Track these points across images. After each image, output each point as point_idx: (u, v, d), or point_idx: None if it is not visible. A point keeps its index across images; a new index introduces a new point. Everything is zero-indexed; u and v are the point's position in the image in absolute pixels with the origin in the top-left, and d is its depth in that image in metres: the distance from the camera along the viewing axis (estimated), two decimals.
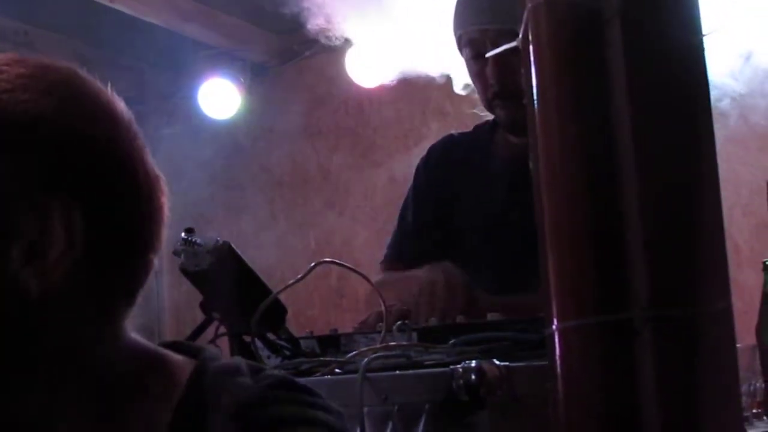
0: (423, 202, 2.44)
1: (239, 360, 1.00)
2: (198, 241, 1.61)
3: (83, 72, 1.00)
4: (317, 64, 5.23)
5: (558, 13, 1.18)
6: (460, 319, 1.71)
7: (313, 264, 1.64)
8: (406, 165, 5.05)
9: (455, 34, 2.30)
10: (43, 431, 0.91)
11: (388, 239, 4.98)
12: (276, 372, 1.02)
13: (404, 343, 1.60)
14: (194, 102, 5.14)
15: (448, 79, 4.73)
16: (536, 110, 1.19)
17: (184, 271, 1.63)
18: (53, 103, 0.92)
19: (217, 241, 1.60)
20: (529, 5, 1.18)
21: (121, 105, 0.98)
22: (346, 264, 1.74)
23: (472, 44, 2.23)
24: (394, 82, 4.85)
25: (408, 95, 4.99)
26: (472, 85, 2.38)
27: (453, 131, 2.57)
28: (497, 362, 1.29)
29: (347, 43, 4.69)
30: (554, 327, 1.17)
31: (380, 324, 1.88)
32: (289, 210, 5.37)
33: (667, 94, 1.21)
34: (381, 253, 5.00)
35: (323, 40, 3.37)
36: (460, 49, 2.31)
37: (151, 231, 0.97)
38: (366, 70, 4.79)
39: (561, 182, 1.18)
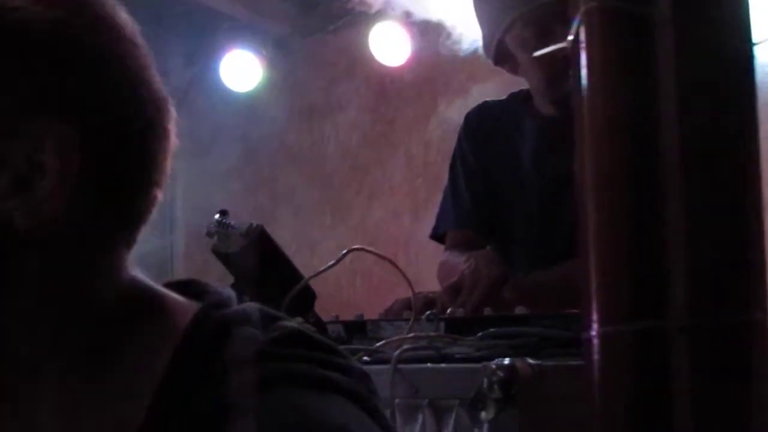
0: (472, 171, 2.46)
1: (252, 307, 0.88)
2: (231, 223, 1.61)
3: None
4: (339, 40, 5.22)
5: (610, 17, 1.18)
6: (487, 311, 1.71)
7: (344, 251, 1.65)
8: (424, 144, 5.07)
9: (507, 17, 2.27)
10: (26, 371, 0.82)
11: (405, 216, 5.01)
12: (291, 323, 0.90)
13: (433, 333, 1.60)
14: (215, 73, 5.14)
15: (470, 59, 4.73)
16: (584, 114, 1.19)
17: (217, 253, 1.63)
18: (47, 7, 0.80)
19: (251, 224, 1.60)
20: (582, 9, 1.18)
21: (124, 15, 0.87)
22: (376, 251, 1.73)
23: (536, 22, 2.21)
24: (417, 60, 4.86)
25: (429, 74, 4.98)
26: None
27: (487, 99, 2.57)
28: (530, 360, 1.29)
29: (370, 20, 4.69)
30: (592, 332, 1.18)
31: (407, 311, 1.89)
32: (306, 185, 5.37)
33: (716, 100, 1.21)
34: (398, 229, 5.03)
35: (357, 7, 3.35)
36: (512, 31, 2.30)
37: (156, 162, 0.86)
38: (389, 48, 4.79)
39: (605, 186, 1.18)
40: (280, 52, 5.22)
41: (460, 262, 2.13)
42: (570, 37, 1.26)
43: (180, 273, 5.67)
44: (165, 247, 5.57)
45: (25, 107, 0.78)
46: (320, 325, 1.71)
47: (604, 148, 1.19)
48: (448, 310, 1.83)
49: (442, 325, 1.67)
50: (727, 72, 1.21)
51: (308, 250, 5.28)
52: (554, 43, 2.19)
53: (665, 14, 1.18)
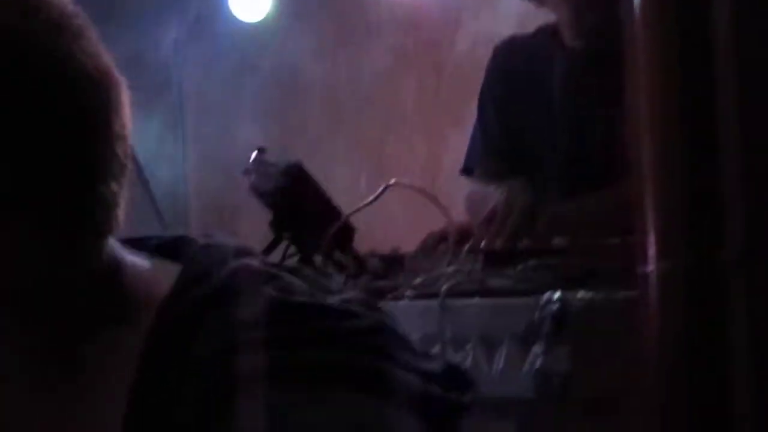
0: (501, 103, 2.45)
1: (253, 263, 0.79)
2: (270, 160, 1.61)
3: None
4: None
5: None
6: (524, 243, 1.71)
7: (383, 186, 1.65)
8: (437, 71, 5.03)
9: None
10: None
11: (419, 145, 5.00)
12: (301, 285, 0.79)
13: (475, 267, 1.61)
14: (224, 3, 5.08)
15: None
16: (638, 48, 1.18)
17: (255, 191, 1.63)
18: None
19: (289, 161, 1.60)
20: None
21: None
22: (414, 186, 1.73)
23: None
24: None
25: (440, 1, 4.94)
26: None
27: (515, 33, 2.56)
28: (580, 293, 1.29)
29: None
30: (649, 267, 1.18)
31: (442, 244, 1.90)
32: (318, 115, 5.35)
33: None
34: (412, 158, 5.02)
35: None
36: None
37: (98, 154, 0.76)
38: None
39: (659, 121, 1.17)
40: None
41: (490, 192, 2.12)
42: None
43: (194, 207, 5.68)
44: (177, 180, 5.56)
45: None
46: (359, 261, 1.71)
47: (658, 82, 1.18)
48: (483, 242, 1.83)
49: (480, 257, 1.68)
50: None
51: (323, 179, 5.28)
52: None
53: None
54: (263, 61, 5.38)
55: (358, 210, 1.63)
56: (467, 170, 2.51)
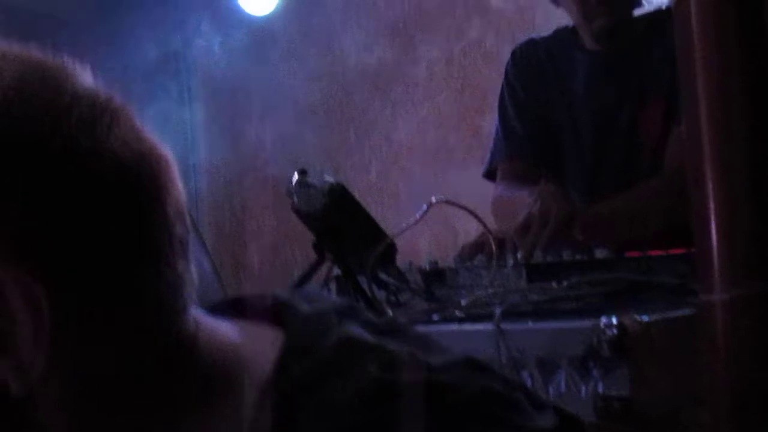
0: (523, 105, 2.46)
1: (355, 334, 0.78)
2: (312, 182, 1.60)
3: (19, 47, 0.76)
4: None
5: None
6: (567, 254, 1.71)
7: (427, 205, 1.64)
8: (445, 59, 5.02)
9: None
10: None
11: (429, 131, 4.99)
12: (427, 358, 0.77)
13: (519, 282, 1.61)
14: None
15: None
16: (696, 71, 1.17)
17: (297, 212, 1.63)
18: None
19: (332, 183, 1.60)
20: None
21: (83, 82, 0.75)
22: (457, 203, 1.72)
23: None
24: None
25: None
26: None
27: (534, 35, 2.56)
28: (637, 317, 1.29)
29: None
30: (715, 295, 1.17)
31: (479, 256, 1.89)
32: (327, 103, 5.33)
33: None
34: (422, 147, 5.02)
35: None
36: None
37: (156, 238, 0.75)
38: None
39: (723, 144, 1.16)
40: None
41: (521, 197, 2.12)
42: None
43: (206, 201, 5.67)
44: (188, 176, 5.55)
45: None
46: (402, 279, 1.71)
47: (719, 106, 1.17)
48: (519, 253, 1.82)
49: (523, 271, 1.67)
50: None
51: (333, 168, 5.28)
52: None
53: None
54: (270, 51, 5.37)
55: (403, 231, 1.62)
56: (491, 173, 2.51)
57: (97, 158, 0.72)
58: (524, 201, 2.07)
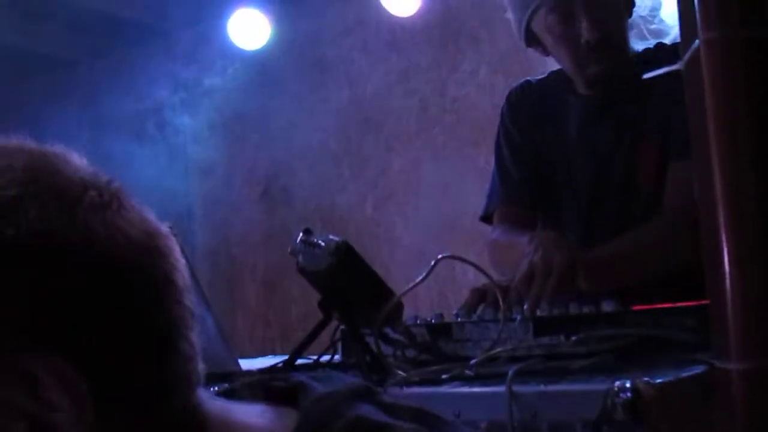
0: (518, 148, 2.46)
1: (365, 414, 0.80)
2: (317, 241, 1.59)
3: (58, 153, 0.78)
4: None
5: (732, 46, 1.15)
6: (573, 307, 1.70)
7: (433, 262, 1.63)
8: (439, 92, 5.03)
9: (531, 3, 2.28)
10: None
11: (424, 165, 4.98)
12: None
13: (527, 336, 1.60)
14: (223, 33, 5.07)
15: (482, 5, 4.68)
16: (710, 136, 1.16)
17: (303, 271, 1.62)
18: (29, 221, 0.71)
19: (338, 241, 1.59)
20: (703, 37, 1.15)
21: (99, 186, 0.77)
22: (464, 258, 1.71)
23: (559, 8, 2.23)
24: (426, 8, 4.80)
25: (441, 22, 4.93)
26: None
27: (529, 78, 2.55)
28: (650, 379, 1.28)
29: None
30: (731, 365, 1.17)
31: (482, 307, 1.88)
32: (321, 138, 5.34)
33: None
34: (416, 180, 5.01)
35: None
36: (537, 16, 2.31)
37: (171, 312, 0.78)
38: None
39: (737, 220, 1.16)
40: (287, 7, 5.15)
41: (521, 242, 2.11)
42: (683, 61, 1.23)
43: (202, 240, 5.66)
44: (182, 213, 5.54)
45: (9, 349, 0.70)
46: (409, 335, 1.70)
47: (732, 170, 1.17)
48: (525, 305, 1.81)
49: (530, 325, 1.66)
50: None
51: (328, 203, 5.28)
52: (577, 28, 2.20)
53: None
54: (264, 86, 5.37)
55: (410, 288, 1.61)
56: (487, 217, 2.50)
57: (112, 242, 0.74)
58: (523, 246, 2.06)
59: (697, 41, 1.16)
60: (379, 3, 4.74)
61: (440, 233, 4.88)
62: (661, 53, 2.30)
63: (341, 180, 5.29)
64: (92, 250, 0.73)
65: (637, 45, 2.42)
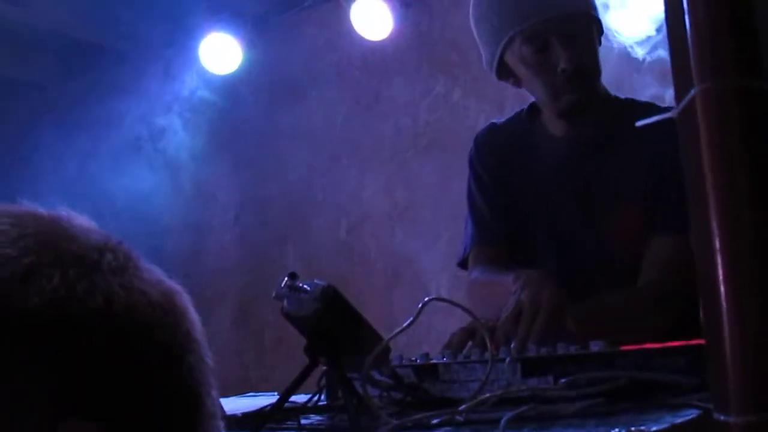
0: (488, 191, 2.44)
1: None
2: (303, 286, 1.57)
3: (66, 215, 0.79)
4: (318, 15, 5.15)
5: (727, 95, 1.14)
6: (561, 347, 1.68)
7: (421, 304, 1.61)
8: (411, 116, 5.02)
9: (505, 35, 2.27)
10: None
11: (398, 188, 4.96)
12: None
13: (514, 378, 1.59)
14: (195, 57, 5.05)
15: (454, 29, 4.68)
16: (708, 191, 1.15)
17: (288, 316, 1.59)
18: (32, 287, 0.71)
19: (324, 286, 1.56)
20: (698, 87, 1.14)
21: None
22: (452, 301, 1.70)
23: (535, 38, 2.22)
24: (398, 33, 4.80)
25: (413, 45, 4.93)
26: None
27: (494, 120, 2.55)
28: (647, 429, 1.26)
29: None
30: (731, 418, 1.15)
31: (469, 346, 1.87)
32: (294, 162, 5.32)
33: None
34: (390, 202, 5.00)
35: None
36: (503, 54, 2.31)
37: (197, 369, 0.79)
38: (370, 22, 4.72)
39: (732, 267, 1.14)
40: (258, 31, 5.14)
41: (504, 281, 2.09)
42: (677, 109, 1.22)
43: (174, 261, 5.62)
44: (163, 235, 5.50)
45: (37, 411, 0.70)
46: (397, 378, 1.68)
47: (728, 224, 1.15)
48: (512, 344, 1.80)
49: (519, 366, 1.64)
50: None
51: (302, 226, 5.25)
52: (553, 57, 2.20)
53: None
54: (236, 110, 5.35)
55: (399, 332, 1.59)
56: (465, 262, 2.48)
57: (133, 304, 0.74)
58: (506, 285, 2.04)
59: (692, 91, 1.15)
60: (351, 27, 4.74)
61: (415, 257, 4.87)
62: (637, 107, 2.31)
63: (315, 204, 5.27)
64: (114, 313, 0.73)
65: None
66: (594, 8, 2.30)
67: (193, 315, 0.81)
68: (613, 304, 2.15)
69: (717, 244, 1.14)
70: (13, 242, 0.72)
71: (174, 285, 0.80)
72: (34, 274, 0.71)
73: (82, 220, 0.79)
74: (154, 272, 0.79)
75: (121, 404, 0.72)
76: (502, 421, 1.35)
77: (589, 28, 2.27)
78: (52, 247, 0.73)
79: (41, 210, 0.78)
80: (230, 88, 5.24)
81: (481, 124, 2.61)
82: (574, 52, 2.22)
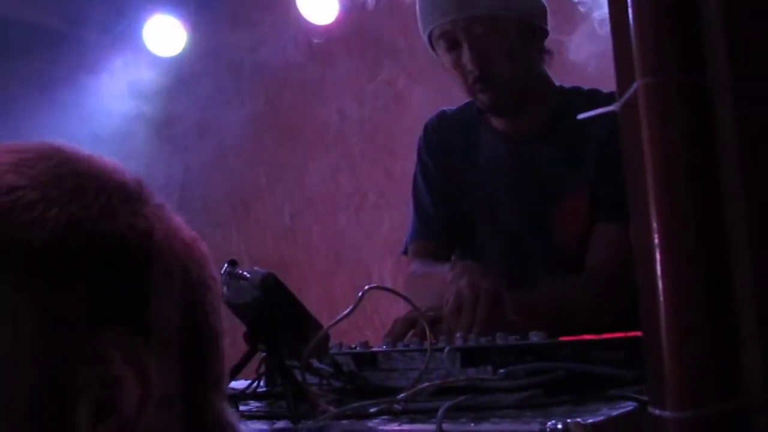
0: (433, 182, 2.44)
1: None
2: (243, 273, 1.56)
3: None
4: None
5: (669, 90, 1.15)
6: (501, 338, 1.69)
7: (361, 293, 1.60)
8: (357, 101, 5.01)
9: (425, 31, 2.29)
10: None
11: (342, 174, 4.96)
12: None
13: (455, 368, 1.59)
14: (138, 39, 5.00)
15: (401, 15, 4.66)
16: (648, 184, 1.16)
17: (228, 304, 1.58)
18: (74, 202, 0.77)
19: (264, 274, 1.55)
20: (639, 82, 1.15)
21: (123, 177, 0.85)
22: (392, 289, 1.70)
23: (445, 36, 2.24)
24: (345, 17, 4.78)
25: (359, 31, 4.91)
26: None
27: (445, 108, 2.54)
28: (583, 421, 1.27)
29: None
30: (666, 413, 1.16)
31: (411, 335, 1.87)
32: (238, 147, 5.28)
33: None
34: (335, 188, 4.98)
35: None
36: (432, 44, 2.32)
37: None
38: (316, 6, 4.70)
39: (674, 262, 1.15)
40: (202, 13, 5.09)
41: (439, 272, 2.09)
42: (619, 103, 1.23)
43: None
44: None
45: (85, 324, 0.74)
46: (336, 366, 1.67)
47: (666, 214, 1.16)
48: (458, 334, 1.80)
49: (458, 355, 1.65)
50: None
51: (244, 212, 5.23)
52: (462, 58, 2.21)
53: (723, 83, 1.16)
54: (179, 94, 5.30)
55: (338, 321, 1.59)
56: (407, 252, 2.48)
57: (170, 238, 0.82)
58: (442, 275, 2.04)
59: (634, 85, 1.15)
60: (297, 11, 4.71)
61: (358, 243, 4.87)
62: (596, 101, 2.30)
63: (258, 189, 5.24)
64: (154, 242, 0.79)
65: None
66: (522, 11, 2.26)
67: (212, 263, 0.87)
68: (561, 291, 2.16)
69: (656, 240, 1.15)
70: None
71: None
72: (81, 194, 0.78)
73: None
74: (178, 221, 0.86)
75: (157, 324, 0.76)
76: (440, 411, 1.35)
77: (506, 31, 2.25)
78: (99, 178, 0.81)
79: (74, 147, 0.86)
80: (174, 70, 5.19)
81: (427, 112, 2.61)
82: (479, 55, 2.22)
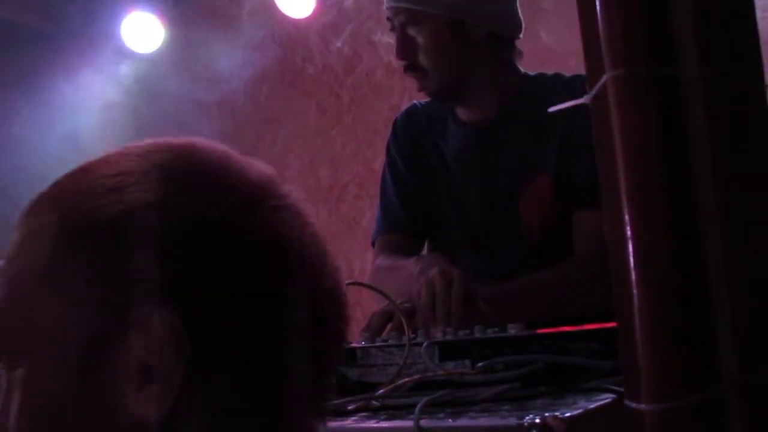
0: (400, 177, 2.43)
1: None
2: None
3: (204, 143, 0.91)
4: None
5: (639, 82, 1.15)
6: (479, 330, 1.68)
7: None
8: (335, 94, 5.00)
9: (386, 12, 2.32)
10: None
11: (322, 167, 4.95)
12: None
13: (433, 362, 1.58)
14: (116, 36, 4.97)
15: (378, 6, 4.66)
16: (618, 178, 1.15)
17: None
18: (156, 191, 0.82)
19: None
20: (610, 74, 1.14)
21: (251, 175, 0.91)
22: (370, 285, 1.69)
23: (390, 20, 2.26)
24: (322, 10, 4.77)
25: (337, 24, 4.90)
26: None
27: (416, 101, 2.53)
28: (560, 415, 1.27)
29: None
30: (642, 405, 1.16)
31: (389, 329, 1.86)
32: (218, 141, 5.25)
33: (749, 150, 1.19)
34: (315, 181, 4.97)
35: None
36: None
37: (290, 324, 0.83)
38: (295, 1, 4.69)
39: (645, 255, 1.15)
40: (180, 9, 5.07)
41: (405, 265, 2.08)
42: (589, 95, 1.22)
43: None
44: None
45: (132, 298, 0.77)
46: None
47: (636, 206, 1.16)
48: (436, 330, 1.79)
49: (436, 350, 1.64)
50: (757, 117, 1.20)
51: None
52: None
53: (695, 74, 1.15)
54: (159, 89, 5.28)
55: None
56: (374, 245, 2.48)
57: (282, 241, 0.87)
58: (408, 268, 2.03)
59: (604, 77, 1.15)
60: (274, 4, 4.69)
61: (339, 235, 4.86)
62: (558, 85, 2.27)
63: None
64: (257, 242, 0.84)
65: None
66: (451, 9, 2.23)
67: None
68: (551, 276, 2.15)
69: (628, 231, 1.15)
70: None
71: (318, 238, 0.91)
72: (189, 185, 0.84)
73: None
74: (303, 217, 0.93)
75: (205, 309, 0.78)
76: (417, 407, 1.34)
77: (428, 26, 2.23)
78: (226, 177, 0.89)
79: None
80: (153, 66, 5.17)
81: (406, 103, 2.60)
82: (403, 44, 2.24)
